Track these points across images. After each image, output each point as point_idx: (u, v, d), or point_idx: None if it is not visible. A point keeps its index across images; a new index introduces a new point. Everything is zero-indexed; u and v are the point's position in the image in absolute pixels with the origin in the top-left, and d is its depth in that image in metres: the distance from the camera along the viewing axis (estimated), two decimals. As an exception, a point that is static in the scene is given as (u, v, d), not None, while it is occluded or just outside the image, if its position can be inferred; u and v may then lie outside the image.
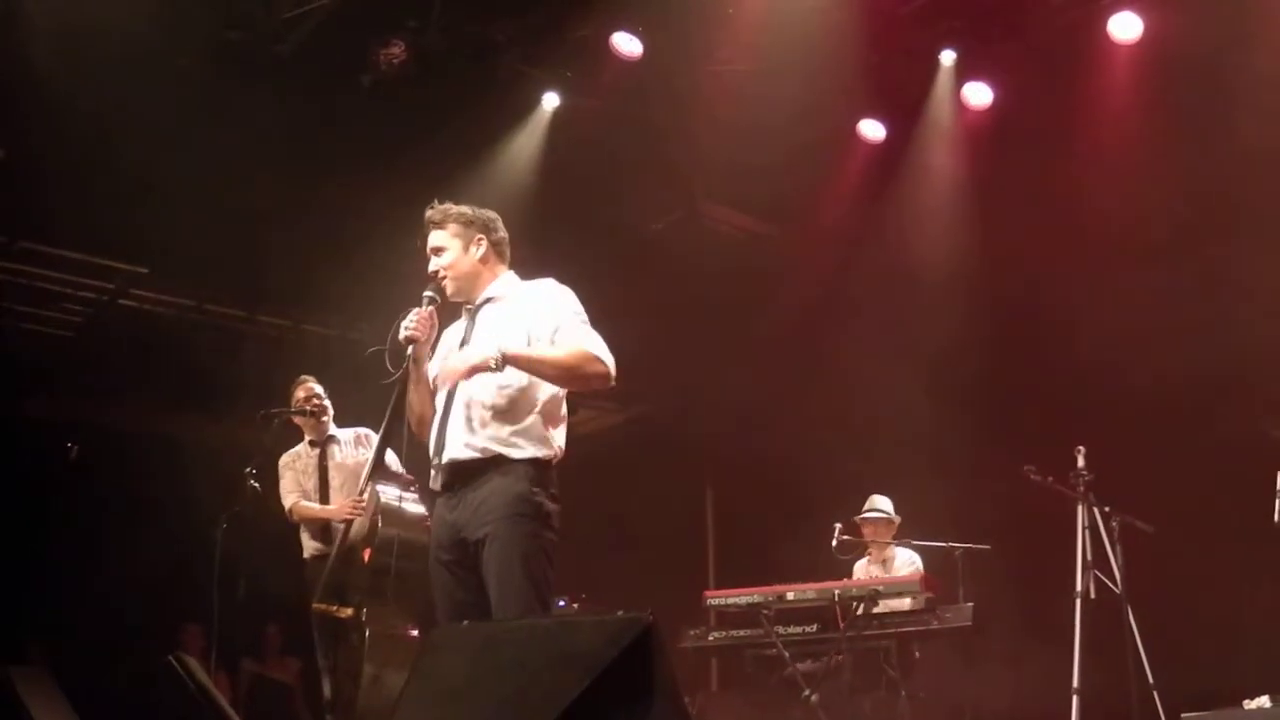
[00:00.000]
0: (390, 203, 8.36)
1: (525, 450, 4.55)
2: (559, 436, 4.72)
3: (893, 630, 6.86)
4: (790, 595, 6.88)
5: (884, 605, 6.93)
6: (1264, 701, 5.66)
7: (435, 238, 4.89)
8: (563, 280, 4.85)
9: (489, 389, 4.57)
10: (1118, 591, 6.73)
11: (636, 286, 9.21)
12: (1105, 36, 7.78)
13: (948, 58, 8.32)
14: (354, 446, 7.27)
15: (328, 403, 7.31)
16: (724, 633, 7.20)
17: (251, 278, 9.20)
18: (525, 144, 8.50)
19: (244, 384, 9.18)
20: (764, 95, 7.92)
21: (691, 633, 7.33)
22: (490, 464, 4.52)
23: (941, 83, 8.42)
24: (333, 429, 7.33)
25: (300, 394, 7.28)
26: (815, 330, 8.68)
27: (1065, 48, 7.97)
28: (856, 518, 7.89)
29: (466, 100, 8.11)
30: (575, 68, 8.32)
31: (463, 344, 4.74)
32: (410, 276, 8.28)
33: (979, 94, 8.36)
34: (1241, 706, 5.68)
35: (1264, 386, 7.84)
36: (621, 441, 10.81)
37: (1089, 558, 6.77)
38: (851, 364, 8.68)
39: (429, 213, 4.92)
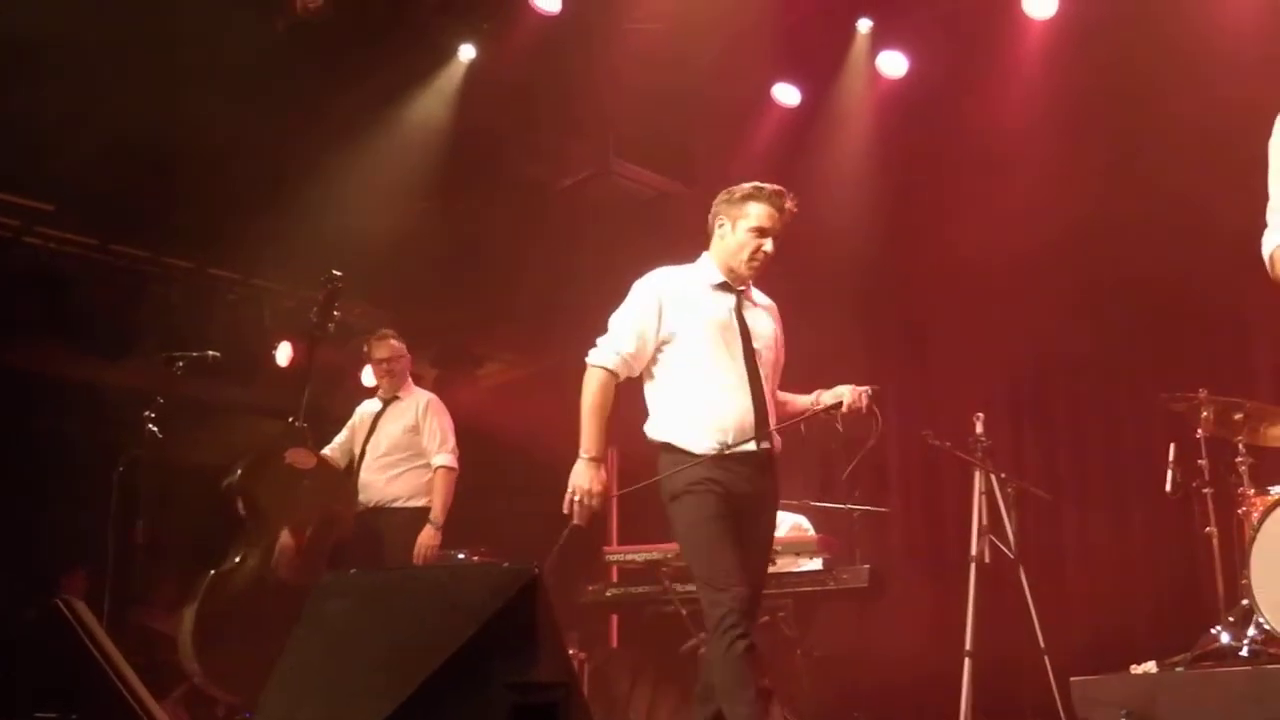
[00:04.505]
0: (301, 149, 8.30)
1: None
2: None
3: (789, 590, 6.93)
4: (688, 552, 6.93)
5: (781, 565, 6.99)
6: (1150, 666, 5.81)
7: (778, 223, 4.96)
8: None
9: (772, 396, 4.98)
10: (1012, 556, 6.83)
11: (545, 242, 9.21)
12: (1020, 13, 7.83)
13: (864, 26, 8.36)
14: (411, 412, 7.42)
15: (398, 362, 7.53)
16: (623, 589, 7.24)
17: (157, 219, 9.06)
18: (439, 95, 8.43)
19: (147, 327, 9.10)
20: (680, 55, 7.92)
21: (590, 589, 7.37)
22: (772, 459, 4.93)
23: (857, 51, 8.45)
24: (404, 390, 7.53)
25: (378, 354, 7.49)
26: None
27: (980, 22, 8.02)
28: None
29: (382, 48, 8.03)
30: (493, 20, 8.26)
31: (743, 326, 4.96)
32: (320, 221, 8.30)
33: (894, 64, 8.40)
34: (1129, 671, 5.81)
35: (1159, 364, 8.00)
36: (527, 395, 10.81)
37: (984, 523, 6.86)
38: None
39: (789, 203, 4.97)
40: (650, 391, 5.03)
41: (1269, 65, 6.13)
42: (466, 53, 8.37)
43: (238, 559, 6.57)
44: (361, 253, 8.04)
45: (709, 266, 5.04)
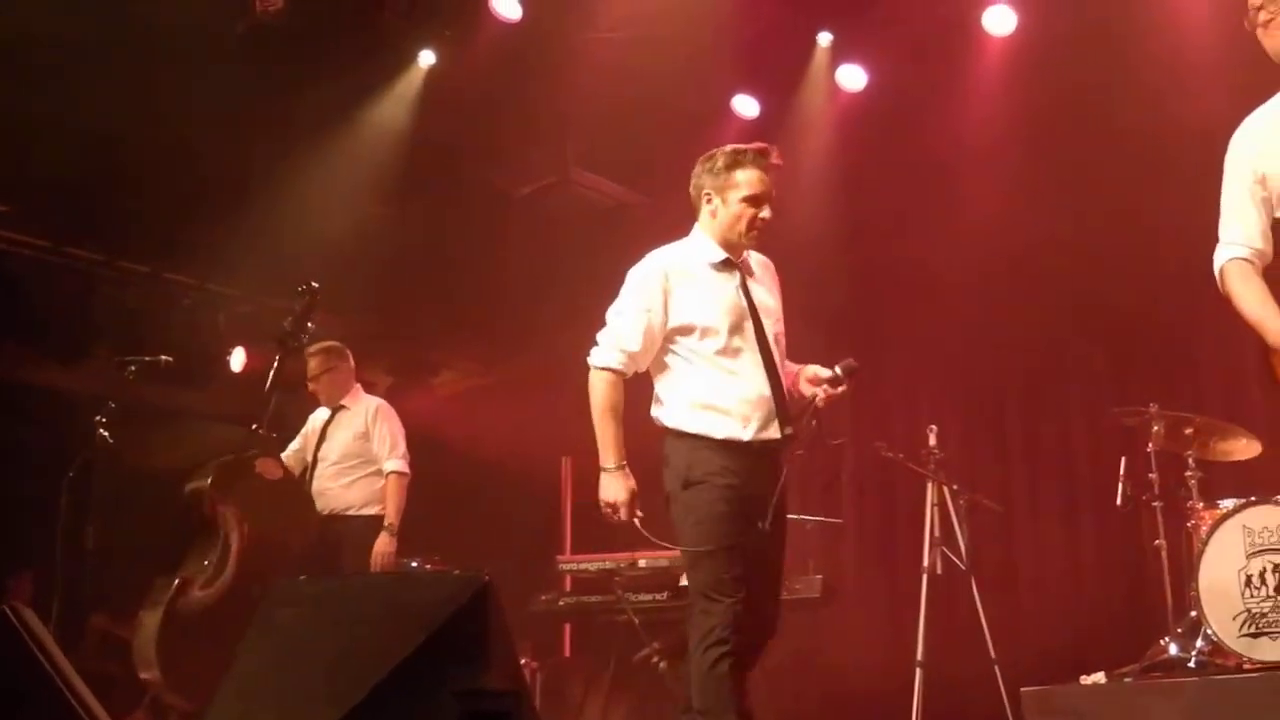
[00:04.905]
0: (259, 154, 8.26)
1: None
2: None
3: (742, 599, 6.93)
4: (642, 562, 6.94)
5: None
6: (1099, 677, 5.84)
7: (770, 185, 4.68)
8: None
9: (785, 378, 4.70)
10: (964, 568, 6.88)
11: (503, 250, 9.19)
12: (979, 29, 7.87)
13: (824, 39, 8.39)
14: (360, 418, 7.37)
15: (326, 375, 7.42)
16: (575, 598, 7.24)
17: (113, 222, 8.99)
18: (398, 100, 8.40)
19: (101, 330, 9.03)
20: (641, 65, 7.91)
21: (543, 597, 7.36)
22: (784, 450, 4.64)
23: (817, 64, 8.48)
24: (350, 397, 7.45)
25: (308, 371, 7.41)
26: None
27: (940, 37, 8.05)
28: None
29: (342, 53, 7.99)
30: (454, 27, 8.25)
31: (751, 305, 4.69)
32: (277, 226, 8.26)
33: (853, 78, 8.43)
34: (1078, 681, 5.85)
35: (1111, 378, 8.08)
36: (483, 404, 10.80)
37: (937, 534, 6.91)
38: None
39: (775, 158, 4.71)
40: (660, 379, 4.73)
41: (1222, 86, 6.18)
42: (426, 58, 8.36)
43: (205, 563, 6.50)
44: (318, 258, 8.01)
45: (705, 243, 4.74)
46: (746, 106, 8.67)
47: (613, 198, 9.26)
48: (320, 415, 7.45)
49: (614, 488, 4.58)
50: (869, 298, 9.16)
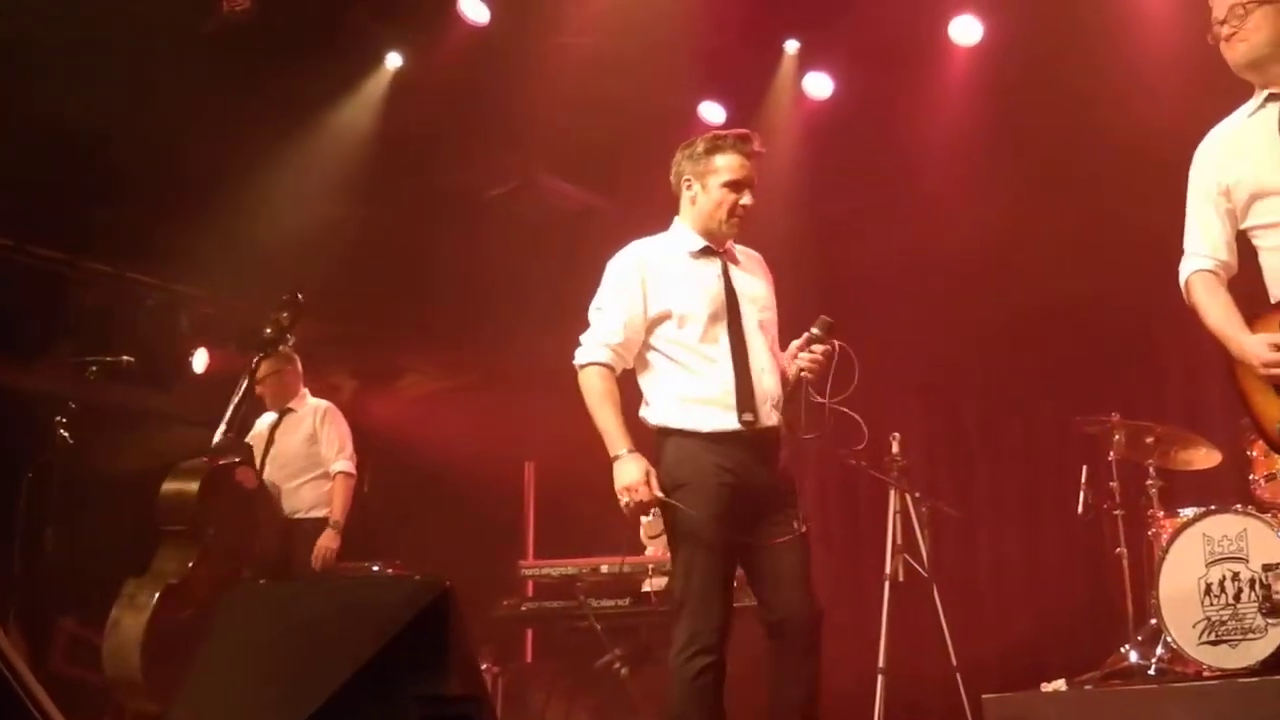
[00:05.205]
0: (226, 154, 8.21)
1: None
2: None
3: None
4: (604, 568, 6.92)
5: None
6: (1060, 684, 5.88)
7: (751, 171, 4.60)
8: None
9: (774, 363, 4.56)
10: (925, 575, 6.89)
11: (468, 252, 9.16)
12: (945, 38, 7.91)
13: (791, 47, 8.42)
14: (308, 421, 7.34)
15: (273, 378, 7.35)
16: (537, 603, 7.22)
17: (76, 222, 8.92)
18: (365, 102, 8.39)
19: (63, 330, 8.96)
20: (608, 70, 7.91)
21: (505, 602, 7.34)
22: (780, 438, 4.49)
23: (784, 72, 8.50)
24: (296, 401, 7.42)
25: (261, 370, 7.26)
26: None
27: (906, 47, 8.07)
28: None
29: (308, 53, 7.96)
30: (421, 29, 8.23)
31: (732, 291, 4.55)
32: (242, 230, 8.21)
33: (819, 85, 8.45)
34: (1039, 688, 5.87)
35: (1073, 387, 8.11)
36: (447, 408, 10.77)
37: (899, 541, 6.93)
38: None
39: (757, 145, 4.62)
40: (645, 377, 4.60)
41: (1188, 89, 6.22)
42: (394, 60, 8.34)
43: (190, 564, 6.44)
44: (283, 260, 7.98)
45: (685, 232, 4.63)
46: (713, 113, 8.68)
47: (578, 202, 9.26)
48: (267, 419, 7.42)
49: (627, 470, 4.31)
50: (833, 305, 9.13)
